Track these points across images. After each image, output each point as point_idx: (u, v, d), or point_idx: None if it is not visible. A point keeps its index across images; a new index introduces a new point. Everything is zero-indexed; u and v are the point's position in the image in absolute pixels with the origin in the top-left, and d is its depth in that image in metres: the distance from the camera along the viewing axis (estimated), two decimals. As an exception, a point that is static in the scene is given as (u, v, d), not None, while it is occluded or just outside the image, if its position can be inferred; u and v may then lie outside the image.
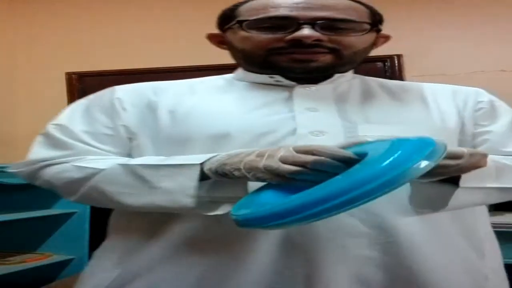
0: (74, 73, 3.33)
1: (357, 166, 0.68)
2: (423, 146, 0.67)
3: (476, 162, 0.77)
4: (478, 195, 0.84)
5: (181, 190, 0.82)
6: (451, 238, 0.92)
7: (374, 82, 1.07)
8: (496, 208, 2.55)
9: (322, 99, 0.98)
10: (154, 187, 0.85)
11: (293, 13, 0.94)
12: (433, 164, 0.65)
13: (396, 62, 3.12)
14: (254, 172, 0.75)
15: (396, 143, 0.68)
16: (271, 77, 1.00)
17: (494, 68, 3.02)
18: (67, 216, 2.74)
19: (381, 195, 0.64)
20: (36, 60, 3.40)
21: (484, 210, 1.01)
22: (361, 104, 0.99)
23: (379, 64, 3.13)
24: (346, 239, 0.86)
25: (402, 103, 1.01)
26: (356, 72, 1.08)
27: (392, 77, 3.02)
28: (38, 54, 3.41)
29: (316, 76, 0.99)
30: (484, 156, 0.79)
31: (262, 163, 0.75)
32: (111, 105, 1.01)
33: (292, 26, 0.94)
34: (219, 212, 0.83)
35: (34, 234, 2.83)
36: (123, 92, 1.03)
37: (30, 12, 3.44)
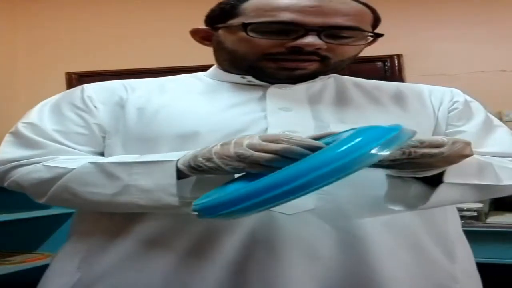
0: (74, 73, 3.34)
1: (316, 152, 0.69)
2: (383, 133, 0.67)
3: (461, 150, 0.77)
4: (458, 192, 0.83)
5: (162, 188, 0.80)
6: (420, 243, 0.90)
7: (349, 81, 1.06)
8: (496, 208, 2.55)
9: (295, 99, 0.96)
10: (128, 185, 0.83)
11: (304, 19, 0.90)
12: (388, 152, 0.65)
13: (396, 62, 3.11)
14: (227, 161, 0.74)
15: (360, 131, 0.69)
16: (243, 77, 0.99)
17: (494, 68, 3.02)
18: (67, 216, 2.74)
19: (335, 181, 0.65)
20: (36, 60, 3.41)
21: (455, 211, 1.01)
22: (335, 104, 0.98)
23: (379, 64, 3.13)
24: (312, 239, 0.85)
25: (377, 103, 1.00)
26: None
27: (392, 77, 3.02)
28: (38, 54, 3.41)
29: (296, 81, 0.98)
30: (468, 144, 0.79)
31: (232, 150, 0.74)
32: (83, 104, 0.97)
33: (297, 32, 0.91)
34: None
35: (34, 234, 2.83)
36: (93, 90, 0.99)
37: (30, 12, 3.44)
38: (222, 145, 0.76)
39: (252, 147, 0.73)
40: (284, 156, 0.72)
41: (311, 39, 0.90)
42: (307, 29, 0.90)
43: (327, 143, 0.73)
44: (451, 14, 3.12)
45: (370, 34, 0.96)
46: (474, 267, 1.00)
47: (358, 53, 1.01)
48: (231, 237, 0.85)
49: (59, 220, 2.77)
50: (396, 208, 0.83)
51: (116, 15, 3.41)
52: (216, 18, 0.99)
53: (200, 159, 0.77)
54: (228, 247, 0.85)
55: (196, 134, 0.89)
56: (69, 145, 0.94)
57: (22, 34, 3.43)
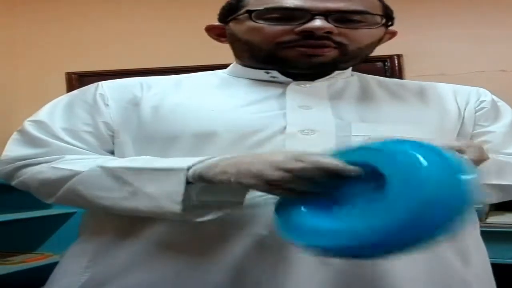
0: (74, 73, 3.33)
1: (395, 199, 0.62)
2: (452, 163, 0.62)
3: (480, 155, 0.77)
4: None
5: (167, 195, 0.78)
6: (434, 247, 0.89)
7: (373, 80, 1.04)
8: (496, 208, 2.55)
9: (316, 97, 0.94)
10: (136, 191, 0.82)
11: (307, 4, 0.90)
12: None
13: (396, 62, 3.12)
14: (243, 177, 0.72)
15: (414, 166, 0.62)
16: (267, 73, 0.97)
17: (494, 68, 3.02)
18: (67, 216, 2.74)
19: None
20: (36, 60, 3.40)
21: (473, 212, 0.98)
22: (357, 102, 0.96)
23: (379, 64, 3.12)
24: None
25: (400, 102, 0.98)
26: (355, 72, 1.06)
27: (392, 77, 3.01)
28: (38, 54, 3.41)
29: (316, 72, 0.96)
30: (481, 148, 0.78)
31: (254, 167, 0.71)
32: (93, 101, 0.96)
33: (304, 18, 0.90)
34: (208, 217, 0.79)
35: (34, 234, 2.83)
36: (107, 87, 0.99)
37: (29, 12, 3.44)
38: (240, 157, 0.74)
39: (277, 165, 0.70)
40: (301, 177, 0.68)
41: (319, 23, 0.89)
42: (312, 14, 0.89)
43: (352, 162, 0.68)
44: (451, 14, 3.12)
45: (382, 22, 0.95)
46: (489, 272, 0.98)
47: (376, 42, 0.99)
48: (241, 241, 0.84)
49: (59, 220, 2.77)
50: None
51: (116, 15, 3.41)
52: (226, 13, 0.99)
53: (215, 170, 0.75)
54: (237, 251, 0.84)
55: (213, 133, 0.88)
56: (73, 143, 0.93)
57: (22, 33, 3.43)
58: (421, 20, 3.10)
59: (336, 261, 0.82)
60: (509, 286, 1.75)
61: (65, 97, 1.01)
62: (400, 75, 3.09)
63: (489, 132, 0.97)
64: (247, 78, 0.99)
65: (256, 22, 0.92)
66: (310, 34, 0.90)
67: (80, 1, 3.42)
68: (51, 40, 3.40)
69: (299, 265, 0.82)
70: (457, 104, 1.00)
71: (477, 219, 1.01)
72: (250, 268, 0.83)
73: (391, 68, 3.12)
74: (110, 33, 3.36)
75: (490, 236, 2.21)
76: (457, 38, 3.09)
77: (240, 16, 0.95)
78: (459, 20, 3.12)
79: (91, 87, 1.00)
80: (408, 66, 3.12)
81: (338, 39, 0.92)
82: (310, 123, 0.89)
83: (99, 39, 3.35)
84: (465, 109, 0.99)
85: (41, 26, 3.43)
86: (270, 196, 0.76)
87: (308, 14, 0.89)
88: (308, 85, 0.96)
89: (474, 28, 3.08)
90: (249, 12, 0.92)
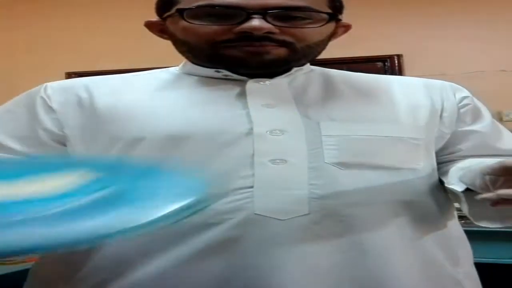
0: (74, 73, 3.34)
1: None
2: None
3: None
4: None
5: None
6: (423, 248, 0.87)
7: (338, 75, 0.98)
8: (496, 208, 2.55)
9: (278, 94, 0.88)
10: None
11: (242, 2, 0.82)
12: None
13: (396, 62, 3.11)
14: None
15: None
16: (218, 72, 0.89)
17: (494, 68, 3.02)
18: (67, 216, 2.74)
19: None
20: (36, 60, 3.41)
21: (454, 213, 0.97)
22: (322, 100, 0.90)
23: (379, 64, 3.12)
24: (309, 246, 0.80)
25: (367, 99, 0.93)
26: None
27: (392, 77, 3.02)
28: (38, 54, 3.41)
29: (271, 71, 0.89)
30: None
31: None
32: (33, 105, 0.90)
33: (240, 16, 0.82)
34: None
35: (34, 234, 2.83)
36: (52, 90, 0.92)
37: (30, 13, 3.45)
38: None
39: None
40: None
41: (256, 22, 0.82)
42: (249, 12, 0.82)
43: None
44: (451, 14, 3.12)
45: (329, 18, 0.87)
46: (473, 266, 0.97)
47: (326, 38, 0.91)
48: (224, 249, 0.79)
49: (59, 220, 2.77)
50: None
51: (116, 15, 3.41)
52: (161, 8, 0.91)
53: None
54: (221, 258, 0.79)
55: (179, 135, 0.82)
56: (21, 150, 0.88)
57: (22, 34, 3.44)
58: (421, 20, 3.10)
59: (325, 263, 0.80)
60: (509, 286, 1.75)
61: (17, 98, 0.97)
62: (400, 75, 3.09)
63: (475, 131, 0.95)
64: (202, 76, 0.92)
65: (189, 22, 0.84)
66: (249, 34, 0.83)
67: (80, 1, 3.42)
68: (51, 40, 3.41)
69: (286, 267, 0.80)
70: (431, 99, 0.95)
71: (456, 214, 0.98)
72: (235, 274, 0.79)
73: (391, 68, 3.12)
74: (110, 33, 3.37)
75: (490, 236, 2.21)
76: (457, 38, 3.09)
77: (174, 14, 0.87)
78: (459, 20, 3.12)
79: (36, 89, 0.95)
80: (408, 66, 3.12)
81: (281, 37, 0.84)
82: (278, 123, 0.84)
83: (99, 39, 3.36)
84: (442, 104, 0.95)
85: (41, 27, 3.43)
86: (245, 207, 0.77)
87: (244, 12, 0.82)
88: (268, 82, 0.89)
89: (474, 28, 3.09)
90: (180, 11, 0.84)
